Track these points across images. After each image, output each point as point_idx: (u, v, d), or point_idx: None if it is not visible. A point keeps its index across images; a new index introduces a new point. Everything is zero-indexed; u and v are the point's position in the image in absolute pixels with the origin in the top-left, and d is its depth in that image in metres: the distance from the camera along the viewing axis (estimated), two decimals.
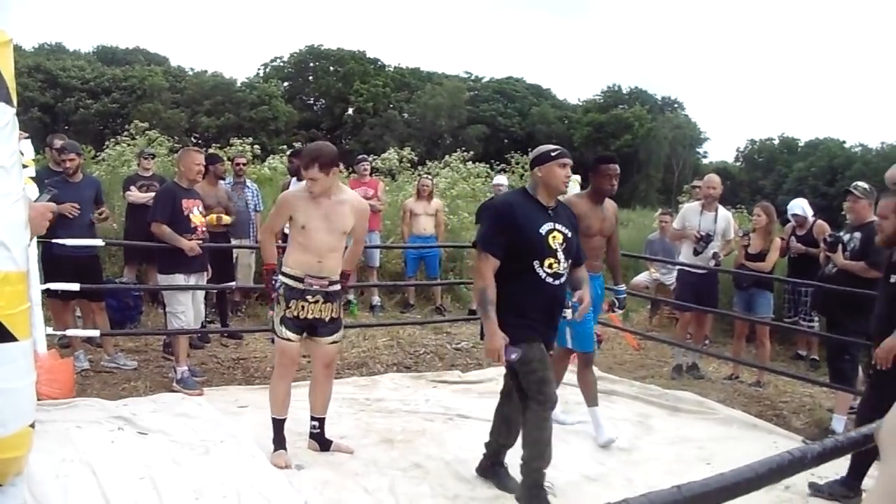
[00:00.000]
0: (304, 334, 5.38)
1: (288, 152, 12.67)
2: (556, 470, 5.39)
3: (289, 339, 5.33)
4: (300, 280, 5.25)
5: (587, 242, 5.72)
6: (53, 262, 7.02)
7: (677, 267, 8.88)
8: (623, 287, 6.73)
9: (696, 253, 8.12)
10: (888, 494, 1.03)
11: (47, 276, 6.93)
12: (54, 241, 6.75)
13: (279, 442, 5.47)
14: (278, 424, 5.51)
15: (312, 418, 5.73)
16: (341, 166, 16.05)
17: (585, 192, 6.29)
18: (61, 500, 4.48)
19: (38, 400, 6.02)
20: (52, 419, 5.84)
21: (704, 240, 8.13)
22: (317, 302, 5.30)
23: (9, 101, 1.80)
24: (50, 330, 6.86)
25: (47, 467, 4.87)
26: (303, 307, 5.27)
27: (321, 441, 5.68)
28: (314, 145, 5.39)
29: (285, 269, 5.32)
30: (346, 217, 5.36)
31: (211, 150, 15.49)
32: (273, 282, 5.37)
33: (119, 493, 4.60)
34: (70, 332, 7.24)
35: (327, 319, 5.39)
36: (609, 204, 6.26)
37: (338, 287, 5.45)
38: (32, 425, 1.91)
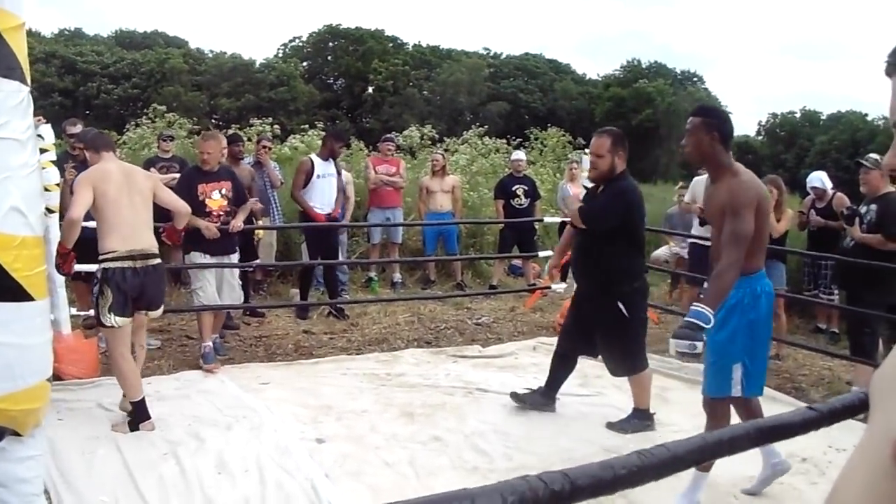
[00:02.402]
0: None
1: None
2: (575, 442, 5.46)
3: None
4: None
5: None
6: (78, 244, 7.09)
7: (690, 239, 8.83)
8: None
9: (703, 224, 8.08)
10: (875, 446, 1.01)
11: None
12: (84, 224, 6.83)
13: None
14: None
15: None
16: (362, 144, 16.00)
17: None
18: (87, 476, 4.57)
19: (64, 380, 6.18)
20: (78, 398, 5.95)
21: None
22: None
23: (23, 81, 1.89)
24: (74, 311, 6.96)
25: (73, 445, 4.98)
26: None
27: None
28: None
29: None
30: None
31: (231, 131, 15.64)
32: None
33: (143, 469, 4.70)
34: (93, 313, 7.31)
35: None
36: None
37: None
38: (50, 380, 2.01)
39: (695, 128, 4.36)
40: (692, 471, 4.27)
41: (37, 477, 2.10)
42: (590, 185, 8.62)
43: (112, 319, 5.33)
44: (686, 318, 3.94)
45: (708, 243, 7.85)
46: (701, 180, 8.05)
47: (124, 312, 5.37)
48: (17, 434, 1.99)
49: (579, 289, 6.01)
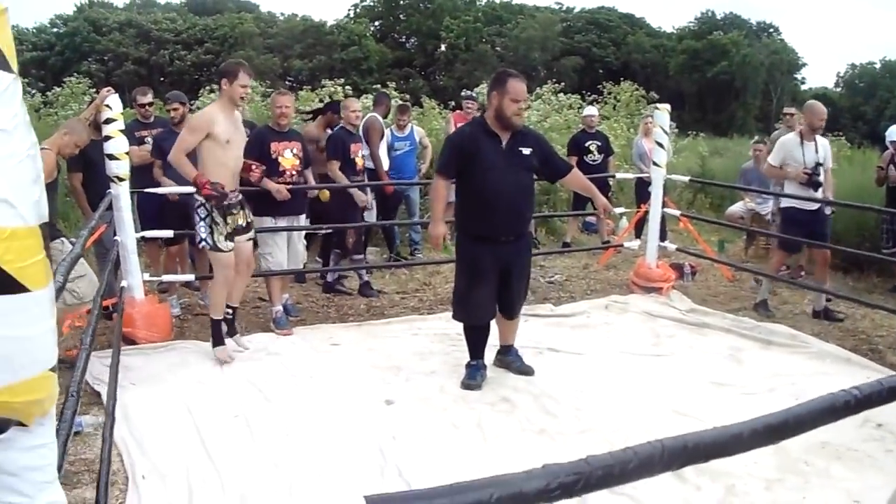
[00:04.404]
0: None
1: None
2: (645, 404, 5.39)
3: (231, 251, 6.03)
4: (225, 197, 5.92)
5: None
6: (155, 210, 7.21)
7: (783, 201, 8.04)
8: None
9: (813, 187, 7.64)
10: None
11: (147, 223, 7.19)
12: (151, 190, 6.95)
13: (220, 339, 6.24)
14: (217, 324, 6.24)
15: (228, 306, 6.34)
16: (433, 102, 15.92)
17: None
18: (158, 438, 4.65)
19: (136, 344, 6.30)
20: (151, 362, 6.05)
21: (815, 174, 7.51)
22: (238, 212, 6.10)
23: (7, 68, 1.88)
24: (147, 276, 7.07)
25: (145, 408, 5.07)
26: (233, 219, 6.03)
27: (230, 326, 6.43)
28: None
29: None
30: (244, 132, 6.24)
31: (302, 92, 15.65)
32: (218, 187, 5.87)
33: (213, 430, 4.77)
34: (166, 278, 7.45)
35: (244, 224, 6.18)
36: None
37: (241, 196, 6.24)
38: (53, 370, 2.03)
39: None
40: None
41: (49, 465, 2.14)
42: (663, 139, 8.50)
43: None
44: None
45: (806, 205, 7.51)
46: (789, 139, 7.73)
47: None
48: (22, 424, 2.02)
49: (515, 238, 5.72)
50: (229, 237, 5.99)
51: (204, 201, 5.87)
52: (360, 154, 8.27)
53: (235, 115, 6.04)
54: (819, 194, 7.52)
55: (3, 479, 2.06)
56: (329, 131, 8.64)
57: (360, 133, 8.73)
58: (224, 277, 6.10)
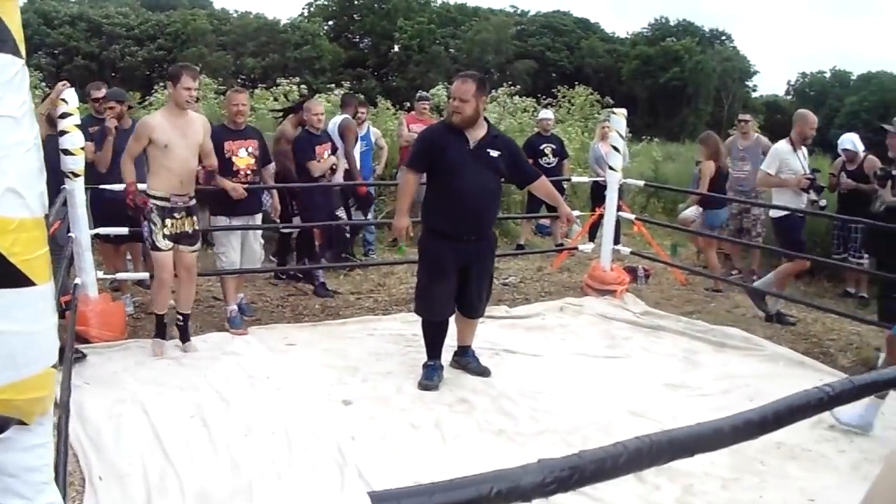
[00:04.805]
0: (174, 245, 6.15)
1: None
2: (601, 405, 5.44)
3: (169, 249, 6.11)
4: (167, 199, 6.01)
5: None
6: (105, 207, 7.12)
7: (773, 212, 8.01)
8: None
9: (818, 192, 7.70)
10: None
11: (98, 220, 7.08)
12: (103, 186, 6.86)
13: (161, 333, 6.38)
14: (160, 319, 6.38)
15: (178, 313, 6.48)
16: (388, 103, 15.90)
17: None
18: (114, 439, 4.59)
19: (91, 343, 6.22)
20: (105, 361, 5.98)
21: (815, 179, 7.64)
22: (181, 217, 6.12)
23: (17, 53, 1.82)
24: (101, 274, 6.99)
25: (101, 409, 5.00)
26: (173, 223, 6.06)
27: (183, 333, 6.47)
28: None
29: (153, 192, 6.02)
30: (199, 132, 6.17)
31: (257, 91, 15.56)
32: (139, 200, 5.98)
33: (170, 431, 4.72)
34: (121, 276, 7.37)
35: (190, 231, 6.22)
36: None
37: (195, 202, 6.30)
38: (55, 366, 1.99)
39: None
40: None
41: (46, 465, 2.07)
42: (618, 143, 8.58)
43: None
44: None
45: (798, 214, 7.56)
46: (783, 148, 7.80)
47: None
48: (22, 423, 1.96)
49: (479, 238, 5.77)
50: (169, 238, 6.06)
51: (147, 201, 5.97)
52: (325, 155, 8.22)
53: (188, 116, 6.04)
54: (824, 201, 7.78)
55: (2, 481, 1.99)
56: (300, 129, 8.63)
57: (328, 134, 8.67)
58: (159, 279, 6.21)
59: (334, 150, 8.52)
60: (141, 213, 5.98)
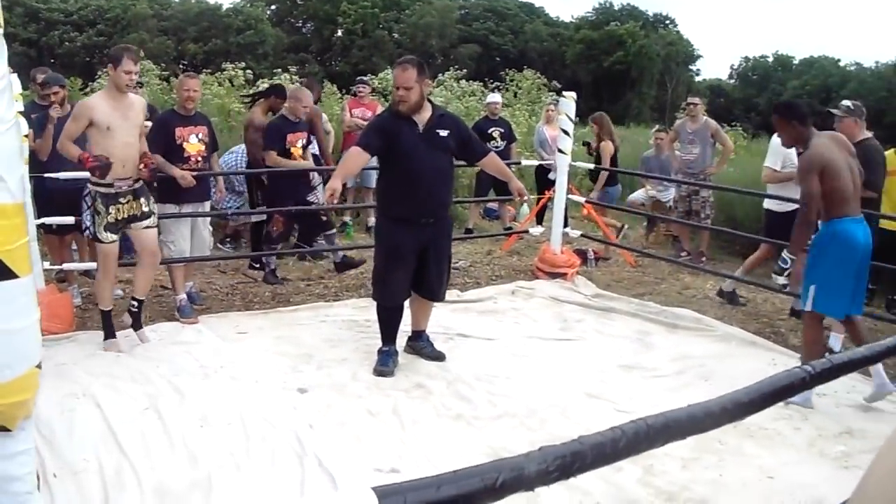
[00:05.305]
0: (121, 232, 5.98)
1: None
2: (557, 387, 5.45)
3: (112, 242, 5.89)
4: (110, 186, 5.77)
5: None
6: (47, 197, 6.97)
7: (785, 205, 7.66)
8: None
9: None
10: None
11: (42, 210, 6.93)
12: (47, 175, 6.72)
13: (111, 332, 6.09)
14: (107, 315, 6.09)
15: (133, 298, 6.29)
16: (335, 87, 15.83)
17: None
18: (67, 435, 4.49)
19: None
20: (54, 354, 5.84)
21: None
22: (128, 201, 5.90)
23: None
24: (47, 265, 6.86)
25: (52, 403, 4.87)
26: (118, 209, 5.84)
27: (135, 320, 6.28)
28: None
29: (95, 178, 5.76)
30: (140, 115, 6.01)
31: (202, 77, 15.37)
32: (102, 158, 5.67)
33: (124, 424, 4.63)
34: (67, 266, 7.24)
35: (139, 214, 6.00)
36: None
37: (141, 183, 6.03)
38: (39, 366, 1.86)
39: None
40: None
41: (29, 473, 1.92)
42: (568, 126, 8.60)
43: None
44: None
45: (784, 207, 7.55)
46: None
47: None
48: (4, 429, 1.83)
49: (436, 220, 5.76)
50: (111, 228, 5.83)
51: (89, 190, 5.79)
52: (298, 144, 8.08)
53: (129, 99, 5.89)
54: None
55: None
56: (271, 115, 8.54)
57: (305, 124, 8.44)
58: (105, 268, 5.99)
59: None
60: (107, 169, 5.68)
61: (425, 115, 5.57)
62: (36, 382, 1.87)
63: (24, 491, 1.91)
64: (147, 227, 6.09)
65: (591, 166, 10.10)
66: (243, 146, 9.19)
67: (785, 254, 5.66)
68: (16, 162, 1.78)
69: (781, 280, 5.85)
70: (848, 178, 5.28)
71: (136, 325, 6.28)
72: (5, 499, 1.87)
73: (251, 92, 10.54)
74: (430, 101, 5.75)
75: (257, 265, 8.69)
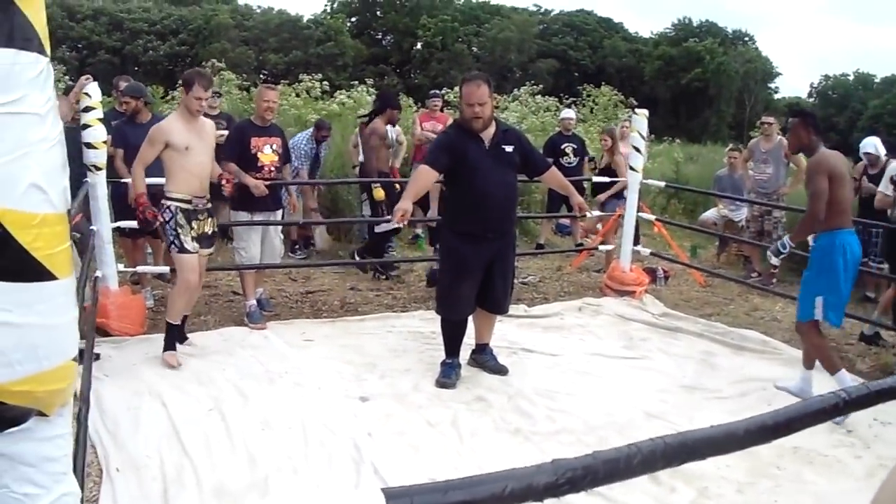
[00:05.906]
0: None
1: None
2: (618, 406, 5.43)
3: (196, 252, 5.97)
4: (189, 202, 5.89)
5: None
6: (125, 201, 7.16)
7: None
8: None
9: None
10: None
11: (119, 214, 7.09)
12: (123, 180, 6.90)
13: (171, 344, 6.01)
14: (172, 329, 6.05)
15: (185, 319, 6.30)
16: (410, 101, 15.97)
17: None
18: (133, 431, 4.63)
19: (111, 336, 6.26)
20: (124, 354, 6.01)
21: None
22: (204, 218, 6.02)
23: (42, 52, 1.85)
24: (121, 267, 7.04)
25: (119, 400, 5.04)
26: (199, 224, 5.97)
27: (180, 332, 6.22)
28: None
29: (175, 195, 5.87)
30: (212, 136, 6.13)
31: (280, 87, 15.63)
32: (149, 214, 5.83)
33: (188, 424, 4.75)
34: (140, 269, 7.42)
35: (210, 233, 6.12)
36: None
37: (211, 204, 6.18)
38: (76, 359, 2.01)
39: None
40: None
41: (65, 455, 2.10)
42: (640, 144, 8.58)
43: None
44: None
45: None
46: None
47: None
48: (42, 414, 2.00)
49: (502, 235, 5.81)
50: (196, 239, 5.94)
51: (168, 205, 5.87)
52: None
53: (201, 121, 6.00)
54: None
55: (20, 470, 2.02)
56: (390, 127, 9.09)
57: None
58: (186, 281, 5.99)
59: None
60: (149, 226, 5.93)
61: (491, 130, 5.60)
62: (73, 374, 2.02)
63: (59, 471, 2.08)
64: (210, 254, 6.33)
65: (662, 184, 10.04)
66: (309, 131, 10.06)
67: (786, 240, 5.71)
68: (58, 176, 1.92)
69: (775, 261, 6.17)
70: (849, 191, 5.45)
71: (181, 338, 6.29)
72: (42, 477, 2.03)
73: (365, 113, 10.63)
74: (494, 116, 5.79)
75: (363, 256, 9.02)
